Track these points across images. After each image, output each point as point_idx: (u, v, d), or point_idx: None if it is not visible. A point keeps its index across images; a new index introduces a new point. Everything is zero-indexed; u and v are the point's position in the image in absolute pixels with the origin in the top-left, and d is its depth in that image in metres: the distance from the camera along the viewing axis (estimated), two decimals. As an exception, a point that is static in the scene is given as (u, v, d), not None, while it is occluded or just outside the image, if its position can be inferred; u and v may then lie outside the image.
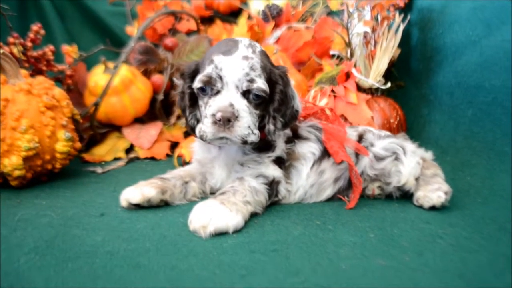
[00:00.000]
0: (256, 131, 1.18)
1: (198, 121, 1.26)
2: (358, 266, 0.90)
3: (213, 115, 1.12)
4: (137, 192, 1.20)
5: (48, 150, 1.45)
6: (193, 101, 1.26)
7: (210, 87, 1.16)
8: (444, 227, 1.14)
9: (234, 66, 1.14)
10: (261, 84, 1.15)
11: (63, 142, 1.47)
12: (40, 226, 1.06)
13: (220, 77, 1.14)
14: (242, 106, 1.14)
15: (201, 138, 1.17)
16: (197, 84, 1.18)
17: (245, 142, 1.15)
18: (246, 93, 1.16)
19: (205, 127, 1.14)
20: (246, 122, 1.14)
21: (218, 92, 1.16)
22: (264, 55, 1.23)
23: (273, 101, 1.22)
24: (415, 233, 1.09)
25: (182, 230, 1.06)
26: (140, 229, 1.06)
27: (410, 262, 0.92)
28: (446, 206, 1.28)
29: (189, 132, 1.30)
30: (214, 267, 0.87)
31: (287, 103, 1.24)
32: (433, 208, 1.26)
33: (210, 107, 1.14)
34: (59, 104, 1.51)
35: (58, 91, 1.54)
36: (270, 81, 1.20)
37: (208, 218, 1.03)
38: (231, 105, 1.12)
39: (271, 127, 1.22)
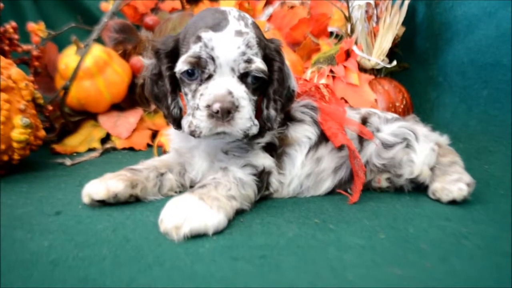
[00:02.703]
0: (256, 121, 1.00)
1: (180, 110, 1.07)
2: (368, 276, 0.72)
3: (208, 106, 0.93)
4: (101, 186, 1.01)
5: (3, 139, 1.25)
6: (174, 86, 1.06)
7: (200, 70, 0.96)
8: (467, 224, 0.96)
9: (228, 45, 0.94)
10: (259, 63, 0.97)
11: (20, 129, 1.27)
12: (-25, 229, 0.87)
13: (212, 58, 0.94)
14: (241, 93, 0.95)
15: (192, 134, 0.97)
16: (181, 66, 0.97)
17: (246, 136, 0.98)
18: (243, 76, 0.97)
19: (198, 121, 0.95)
20: (248, 112, 0.96)
21: (209, 76, 0.96)
22: (257, 27, 1.04)
23: (272, 82, 1.03)
24: (434, 232, 0.91)
25: (151, 232, 0.88)
26: (100, 230, 0.89)
27: (432, 270, 0.75)
28: (467, 199, 1.10)
29: (172, 125, 1.10)
30: (183, 280, 0.69)
31: (284, 82, 1.06)
32: (452, 202, 1.08)
33: (203, 96, 0.95)
34: (16, 85, 1.31)
35: (16, 71, 1.34)
36: (266, 58, 1.02)
37: (183, 216, 0.85)
38: (230, 93, 0.93)
39: (272, 112, 1.04)
